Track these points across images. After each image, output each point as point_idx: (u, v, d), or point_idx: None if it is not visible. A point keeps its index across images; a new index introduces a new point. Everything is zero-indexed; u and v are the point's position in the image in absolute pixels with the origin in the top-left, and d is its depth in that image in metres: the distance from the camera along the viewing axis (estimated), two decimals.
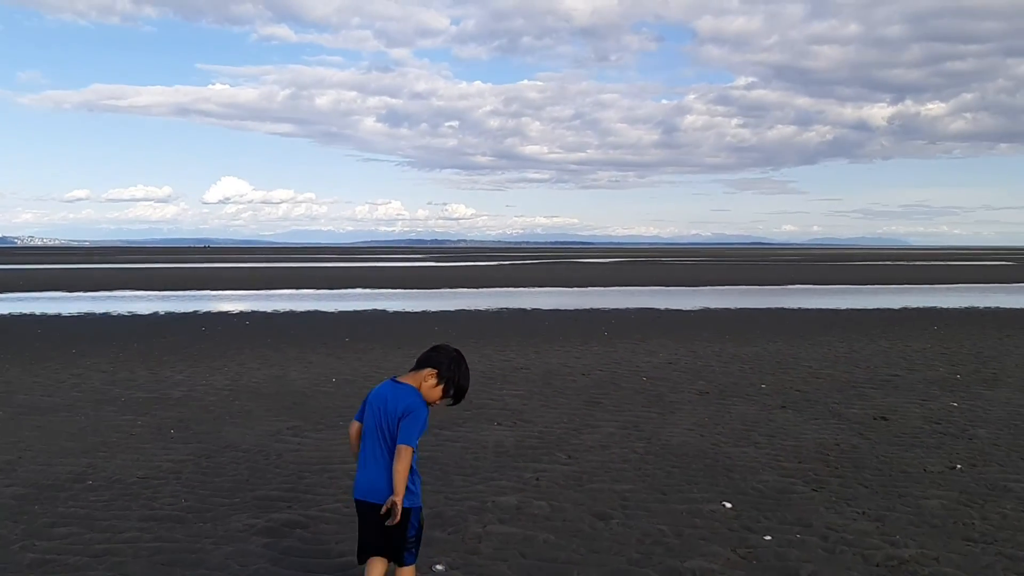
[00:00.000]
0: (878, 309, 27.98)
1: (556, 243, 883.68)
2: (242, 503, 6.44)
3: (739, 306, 28.90)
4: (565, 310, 27.37)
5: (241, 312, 26.56)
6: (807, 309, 27.85)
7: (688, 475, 7.20)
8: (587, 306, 29.16)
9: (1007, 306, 29.39)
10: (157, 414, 9.80)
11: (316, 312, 26.45)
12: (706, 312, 26.36)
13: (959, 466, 7.45)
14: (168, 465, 7.51)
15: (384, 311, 26.83)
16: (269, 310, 27.44)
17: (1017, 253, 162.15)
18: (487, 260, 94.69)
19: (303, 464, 7.58)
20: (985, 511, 6.22)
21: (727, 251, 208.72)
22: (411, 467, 4.05)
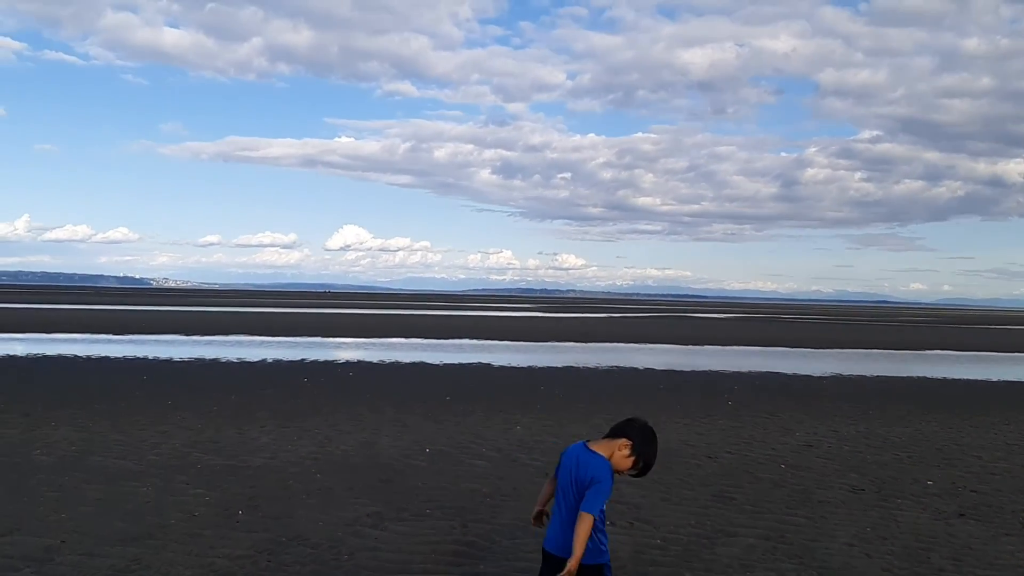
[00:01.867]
0: None
1: (667, 295, 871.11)
2: None
3: (875, 373, 26.37)
4: (681, 371, 25.56)
5: (347, 362, 25.99)
6: (954, 380, 25.12)
7: None
8: (704, 367, 27.24)
9: None
10: (229, 489, 8.80)
11: (421, 364, 25.59)
12: (840, 379, 24.03)
13: None
14: (222, 564, 6.39)
15: (489, 364, 25.74)
16: (375, 360, 26.79)
17: None
18: (596, 312, 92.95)
19: (377, 571, 6.32)
20: None
21: (851, 309, 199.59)
22: (597, 527, 4.29)
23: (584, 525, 4.19)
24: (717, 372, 25.51)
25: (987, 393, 21.06)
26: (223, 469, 9.75)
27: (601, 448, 4.40)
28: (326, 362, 25.47)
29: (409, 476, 9.61)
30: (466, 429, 13.12)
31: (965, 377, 25.92)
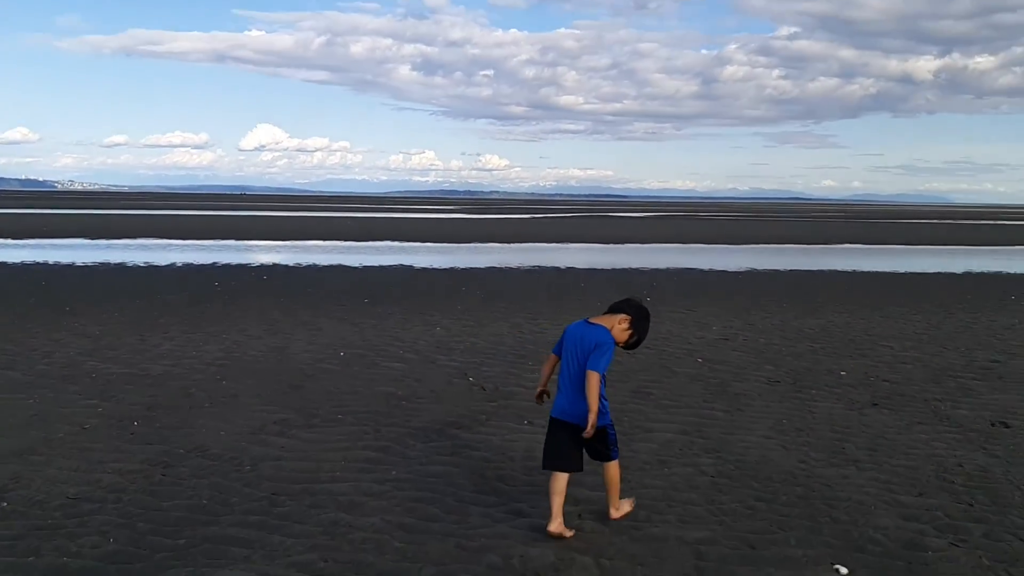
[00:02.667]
0: (941, 273, 25.84)
1: (590, 196, 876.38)
2: (186, 549, 4.84)
3: (790, 267, 26.88)
4: (602, 269, 25.58)
5: (261, 265, 25.13)
6: (864, 272, 25.80)
7: (779, 515, 5.48)
8: (624, 264, 27.33)
9: None
10: (125, 399, 8.27)
11: (340, 266, 24.92)
12: (755, 274, 24.39)
13: None
14: (111, 479, 5.94)
15: (411, 267, 25.26)
16: (291, 263, 26.00)
17: None
18: (520, 213, 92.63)
19: (281, 481, 5.97)
20: None
21: (766, 206, 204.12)
22: (601, 394, 4.80)
23: (592, 381, 4.74)
24: (636, 269, 25.61)
25: (896, 285, 21.65)
26: (120, 378, 9.18)
27: (602, 322, 4.99)
28: (239, 266, 24.57)
29: (321, 381, 9.22)
30: (384, 332, 12.74)
31: (875, 270, 26.64)
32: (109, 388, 8.67)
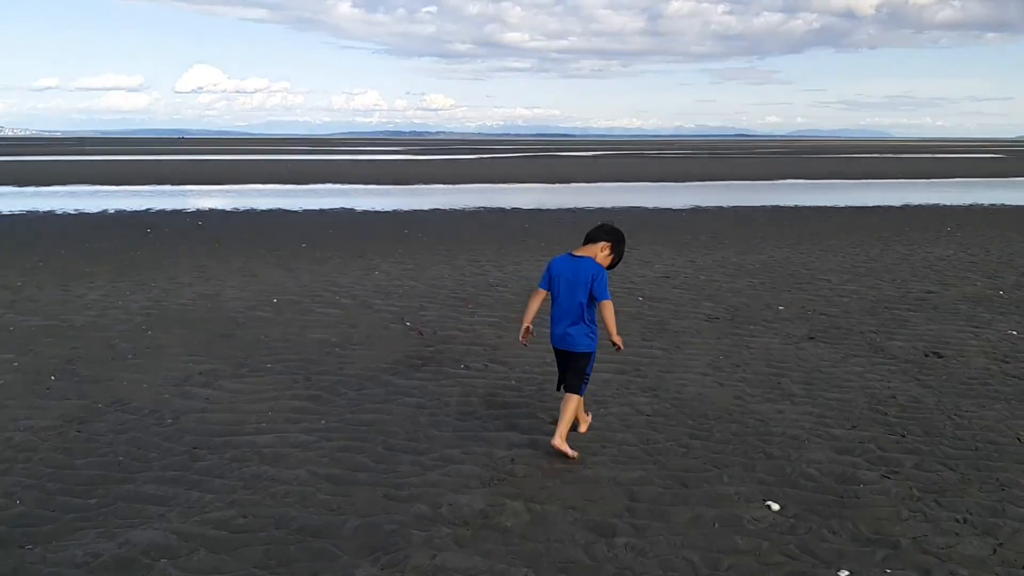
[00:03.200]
0: (880, 206, 26.23)
1: (537, 135, 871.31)
2: (98, 509, 4.61)
3: (733, 204, 27.02)
4: (547, 210, 25.40)
5: (197, 211, 24.43)
6: (805, 207, 26.04)
7: (713, 451, 5.44)
8: (570, 204, 27.19)
9: (1013, 203, 27.70)
10: (44, 352, 7.89)
11: (278, 211, 24.33)
12: (699, 212, 24.45)
13: None
14: (22, 438, 5.64)
15: (352, 210, 24.78)
16: (228, 208, 25.34)
17: (1002, 145, 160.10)
18: (466, 153, 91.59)
19: (203, 435, 5.74)
20: None
21: (711, 143, 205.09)
22: (591, 319, 5.25)
23: (608, 309, 5.23)
24: (582, 209, 25.49)
25: (836, 219, 21.88)
26: (40, 330, 8.77)
27: (585, 253, 5.38)
28: (174, 211, 23.84)
29: (252, 329, 8.93)
30: (321, 277, 12.42)
31: (816, 204, 26.89)
32: (28, 342, 8.28)
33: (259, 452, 5.40)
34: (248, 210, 24.61)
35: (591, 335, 5.34)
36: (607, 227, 5.47)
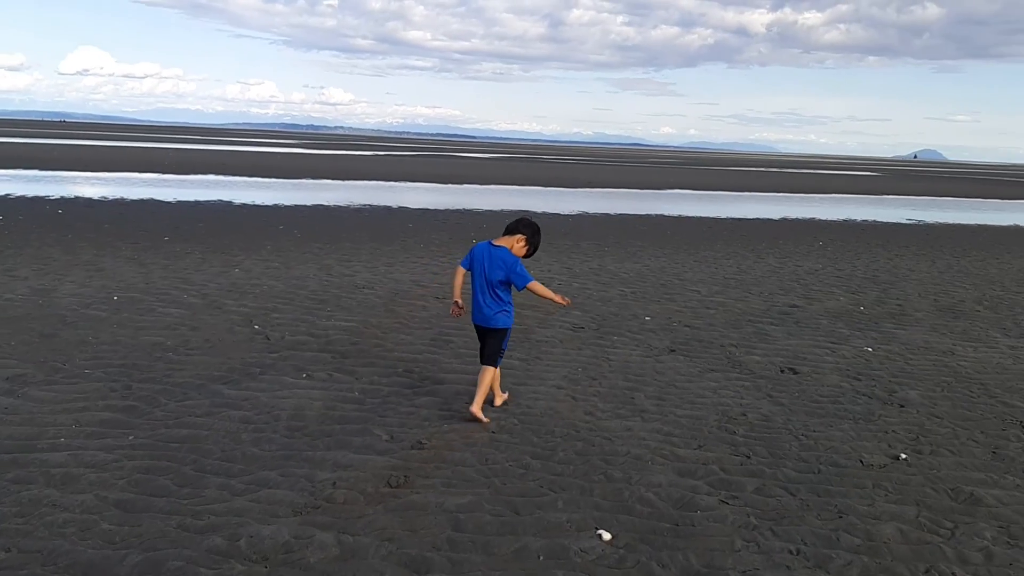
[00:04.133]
0: (759, 219, 26.90)
1: (438, 135, 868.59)
2: None
3: (619, 211, 27.21)
4: (434, 210, 24.95)
5: (62, 198, 22.85)
6: (688, 217, 26.46)
7: (553, 473, 5.14)
8: (459, 205, 26.83)
9: (884, 220, 28.93)
10: None
11: (150, 201, 23.05)
12: (584, 218, 24.48)
13: (903, 455, 5.70)
14: None
15: (230, 203, 23.70)
16: (96, 196, 23.84)
17: (879, 164, 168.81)
18: (362, 149, 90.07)
19: None
20: (962, 548, 4.43)
21: (607, 151, 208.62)
22: (509, 299, 6.03)
23: (538, 287, 5.97)
24: (469, 210, 25.16)
25: (715, 230, 22.26)
26: None
27: (503, 243, 5.98)
28: (35, 198, 22.24)
29: (80, 329, 8.17)
30: (174, 272, 11.63)
31: (699, 215, 27.38)
32: None
33: (47, 472, 4.79)
34: (117, 199, 23.21)
35: (506, 312, 6.03)
36: (525, 221, 6.12)
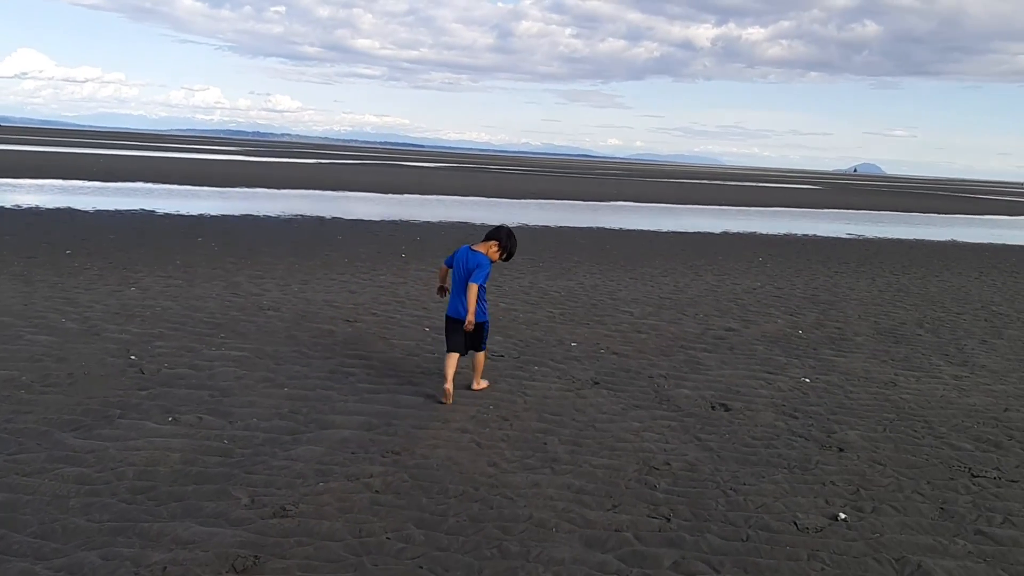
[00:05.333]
0: (701, 233, 26.52)
1: (386, 143, 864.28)
2: None
3: (560, 224, 26.60)
4: (368, 221, 24.05)
5: None
6: (629, 231, 25.96)
7: (437, 547, 4.35)
8: (396, 217, 25.96)
9: (824, 234, 28.80)
10: None
11: (66, 210, 21.74)
12: (522, 231, 23.75)
13: (842, 515, 5.04)
14: None
15: (152, 212, 22.50)
16: (8, 204, 22.43)
17: (820, 177, 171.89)
18: (307, 157, 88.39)
19: None
20: None
21: (555, 161, 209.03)
22: (482, 298, 6.85)
23: (472, 291, 6.63)
24: (406, 222, 24.34)
25: (654, 245, 21.75)
26: None
27: (481, 248, 6.79)
28: None
29: None
30: (61, 292, 10.59)
31: (639, 228, 26.90)
32: None
33: None
34: (30, 208, 21.86)
35: (482, 309, 6.81)
36: (503, 229, 6.98)
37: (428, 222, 24.81)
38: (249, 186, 37.14)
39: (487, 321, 6.96)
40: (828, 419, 6.96)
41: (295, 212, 25.30)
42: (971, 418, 7.20)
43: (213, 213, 23.64)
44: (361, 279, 13.08)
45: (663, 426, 6.54)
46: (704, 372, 8.33)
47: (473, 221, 25.97)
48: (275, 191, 35.11)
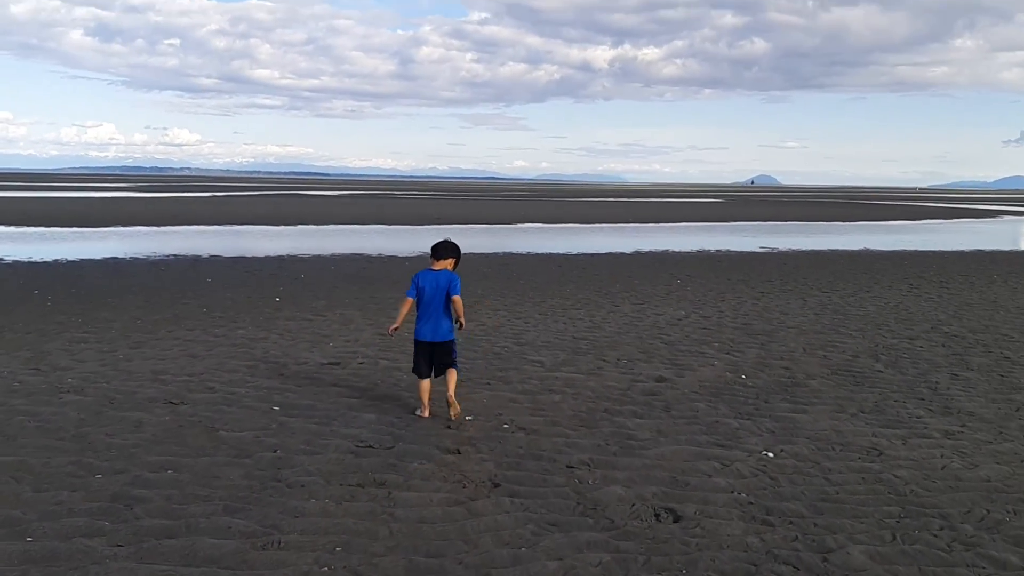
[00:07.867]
0: (612, 254, 24.90)
1: (290, 173, 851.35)
2: None
3: (464, 250, 24.50)
4: (250, 258, 21.58)
5: None
6: (538, 254, 24.15)
7: None
8: (285, 251, 23.54)
9: (737, 248, 27.59)
10: None
11: None
12: (422, 261, 21.59)
13: None
14: None
15: (10, 259, 19.51)
16: None
17: (720, 191, 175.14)
18: (205, 191, 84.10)
19: None
20: None
21: (462, 185, 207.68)
22: (448, 316, 6.99)
23: (459, 302, 6.96)
24: (292, 257, 21.97)
25: (564, 269, 19.93)
26: None
27: (441, 266, 7.13)
28: None
29: None
30: None
31: (548, 251, 25.09)
32: None
33: None
34: None
35: (451, 327, 7.04)
36: (449, 243, 7.28)
37: (318, 255, 22.51)
38: (128, 224, 33.98)
39: (455, 340, 7.11)
40: (815, 525, 5.03)
41: (170, 251, 22.66)
42: (994, 503, 5.40)
43: (70, 257, 20.80)
44: (213, 336, 10.72)
45: (591, 561, 4.48)
46: (639, 453, 6.31)
47: (369, 252, 23.76)
48: (155, 229, 32.10)
